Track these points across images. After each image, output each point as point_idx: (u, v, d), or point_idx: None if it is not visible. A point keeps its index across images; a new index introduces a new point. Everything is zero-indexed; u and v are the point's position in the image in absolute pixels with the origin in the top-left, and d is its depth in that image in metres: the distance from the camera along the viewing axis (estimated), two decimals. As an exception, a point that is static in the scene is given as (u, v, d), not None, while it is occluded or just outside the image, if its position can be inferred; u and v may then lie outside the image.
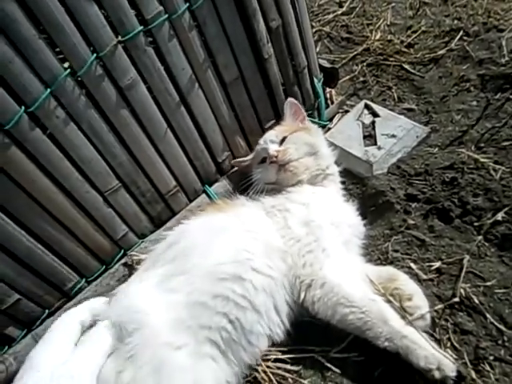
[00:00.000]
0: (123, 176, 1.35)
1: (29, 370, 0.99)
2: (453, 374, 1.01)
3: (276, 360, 1.20)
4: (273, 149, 1.41)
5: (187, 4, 1.22)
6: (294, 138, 1.45)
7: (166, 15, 1.19)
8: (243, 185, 1.53)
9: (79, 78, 1.12)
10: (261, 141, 1.51)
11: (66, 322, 1.11)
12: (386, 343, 1.06)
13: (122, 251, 1.46)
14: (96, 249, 1.40)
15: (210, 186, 1.58)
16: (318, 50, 2.26)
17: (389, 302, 1.14)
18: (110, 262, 1.45)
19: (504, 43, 1.89)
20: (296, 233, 1.25)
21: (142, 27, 1.15)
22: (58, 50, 1.09)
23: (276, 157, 1.38)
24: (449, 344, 1.13)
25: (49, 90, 1.08)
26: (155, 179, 1.42)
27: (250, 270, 1.15)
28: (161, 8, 1.17)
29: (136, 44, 1.18)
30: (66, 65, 1.11)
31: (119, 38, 1.13)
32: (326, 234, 1.25)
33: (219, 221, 1.29)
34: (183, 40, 1.27)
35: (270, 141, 1.46)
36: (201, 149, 1.49)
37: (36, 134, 1.12)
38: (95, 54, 1.11)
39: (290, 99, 1.56)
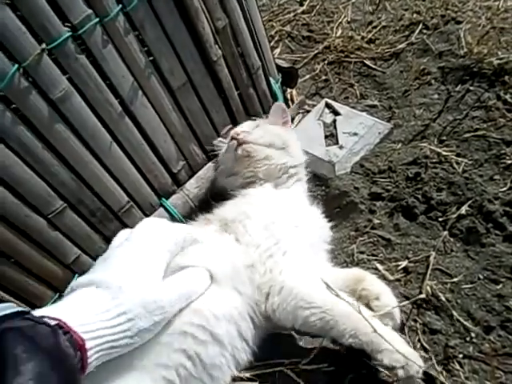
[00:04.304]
0: (68, 196, 1.25)
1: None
2: (418, 374, 0.96)
3: (244, 379, 1.13)
4: (238, 128, 1.42)
5: (120, 6, 1.13)
6: (265, 126, 1.46)
7: (97, 19, 1.10)
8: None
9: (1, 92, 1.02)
10: None
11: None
12: (351, 340, 1.00)
13: (77, 276, 1.35)
14: (46, 276, 1.29)
15: (167, 198, 1.50)
16: (279, 50, 2.24)
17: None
18: (64, 289, 1.35)
19: (462, 35, 1.89)
20: (256, 238, 1.18)
21: (69, 33, 1.06)
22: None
23: (238, 134, 1.37)
24: (419, 345, 1.11)
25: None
26: (104, 196, 1.33)
27: (208, 300, 1.07)
28: (90, 11, 1.08)
29: (65, 52, 1.09)
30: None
31: (43, 45, 1.04)
32: (287, 236, 1.19)
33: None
34: (120, 45, 1.19)
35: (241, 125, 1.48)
36: (152, 160, 1.41)
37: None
38: (17, 65, 1.01)
39: (277, 103, 1.59)
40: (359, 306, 1.02)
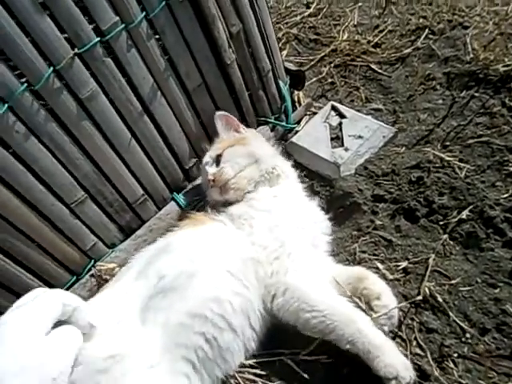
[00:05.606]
0: (89, 187, 1.34)
1: None
2: None
3: (246, 365, 1.20)
4: (210, 172, 1.40)
5: (144, 13, 1.21)
6: (228, 155, 1.42)
7: (123, 25, 1.18)
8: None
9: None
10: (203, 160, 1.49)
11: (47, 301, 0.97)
12: (348, 346, 1.06)
13: (93, 261, 1.45)
14: (65, 260, 1.38)
15: (179, 193, 1.58)
16: (286, 52, 2.26)
17: (355, 303, 1.15)
18: (81, 273, 1.43)
19: (468, 40, 1.91)
20: (262, 239, 1.24)
21: (98, 39, 1.14)
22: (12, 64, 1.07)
23: (214, 180, 1.38)
24: (414, 343, 1.15)
25: (6, 105, 1.07)
26: (122, 189, 1.42)
27: (230, 292, 1.14)
28: (117, 18, 1.16)
29: (94, 55, 1.17)
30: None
31: (76, 50, 1.12)
32: (291, 238, 1.24)
33: (202, 239, 1.27)
34: (142, 49, 1.26)
35: (205, 163, 1.46)
36: (167, 157, 1.48)
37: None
38: (52, 68, 1.10)
39: (218, 112, 1.51)
40: (360, 315, 1.08)
